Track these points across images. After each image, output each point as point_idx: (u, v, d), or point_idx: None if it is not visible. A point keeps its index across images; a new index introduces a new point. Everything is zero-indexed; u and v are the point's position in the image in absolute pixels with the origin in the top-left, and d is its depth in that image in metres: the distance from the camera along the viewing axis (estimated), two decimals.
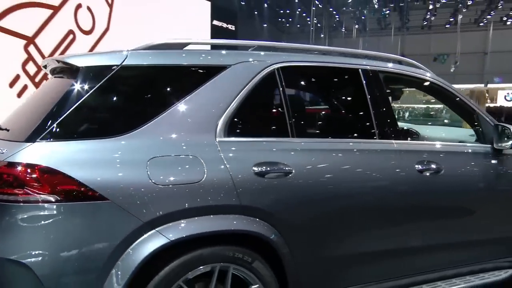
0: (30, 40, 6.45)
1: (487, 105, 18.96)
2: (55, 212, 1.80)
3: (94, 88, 2.04)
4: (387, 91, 3.57)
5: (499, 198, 3.11)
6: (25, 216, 1.79)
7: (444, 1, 27.43)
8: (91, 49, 7.77)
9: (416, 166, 2.70)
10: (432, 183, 2.76)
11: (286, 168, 2.27)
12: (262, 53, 2.57)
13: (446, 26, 30.27)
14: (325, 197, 2.41)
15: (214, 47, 3.17)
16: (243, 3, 28.00)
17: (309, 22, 29.80)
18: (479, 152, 3.06)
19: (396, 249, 2.69)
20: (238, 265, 2.12)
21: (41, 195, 1.79)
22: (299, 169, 2.31)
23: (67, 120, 1.95)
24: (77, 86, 2.03)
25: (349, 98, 3.18)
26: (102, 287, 1.84)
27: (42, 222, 1.80)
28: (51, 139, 1.89)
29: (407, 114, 18.58)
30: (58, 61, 2.30)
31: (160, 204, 1.94)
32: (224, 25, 12.90)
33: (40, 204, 1.79)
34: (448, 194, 2.84)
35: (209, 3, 12.02)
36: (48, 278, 1.78)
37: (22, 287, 1.81)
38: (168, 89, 2.33)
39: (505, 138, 2.93)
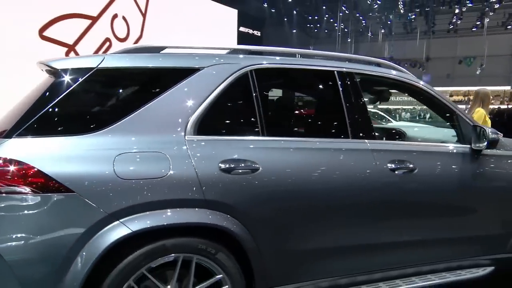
0: (70, 48, 6.80)
1: (510, 106, 18.51)
2: (24, 202, 1.87)
3: (70, 89, 2.10)
4: (373, 92, 3.60)
5: (476, 198, 3.01)
6: None
7: (471, 5, 26.91)
8: None
9: (389, 165, 2.66)
10: (405, 181, 2.72)
11: (254, 165, 2.28)
12: (237, 56, 2.63)
13: (473, 29, 29.66)
14: (293, 194, 2.39)
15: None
16: (273, 10, 28.27)
17: (336, 27, 29.79)
18: (456, 152, 2.99)
19: (367, 245, 2.66)
20: (202, 256, 2.14)
21: (12, 187, 1.86)
22: (267, 166, 2.31)
23: (42, 118, 2.02)
24: (54, 87, 2.12)
25: (323, 99, 3.14)
26: (68, 273, 1.89)
27: (12, 211, 1.86)
28: (27, 136, 1.96)
29: (428, 115, 18.51)
30: (43, 64, 2.32)
31: (124, 197, 1.98)
32: (250, 31, 13.18)
33: (10, 195, 1.86)
34: (422, 192, 2.80)
35: (236, 11, 12.30)
36: (17, 263, 1.84)
37: None
38: (142, 89, 2.36)
39: (483, 139, 2.89)
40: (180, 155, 2.14)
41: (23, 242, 1.85)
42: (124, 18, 8.25)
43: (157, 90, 2.27)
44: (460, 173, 2.94)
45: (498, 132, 2.99)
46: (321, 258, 2.54)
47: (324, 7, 28.15)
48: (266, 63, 2.58)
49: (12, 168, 1.87)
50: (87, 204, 1.91)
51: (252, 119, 2.45)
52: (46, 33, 6.49)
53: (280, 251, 2.38)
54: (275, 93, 3.16)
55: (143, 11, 8.84)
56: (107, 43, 7.69)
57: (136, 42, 8.50)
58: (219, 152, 2.24)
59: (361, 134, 2.68)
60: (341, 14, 28.09)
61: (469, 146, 2.96)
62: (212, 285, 2.21)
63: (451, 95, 31.38)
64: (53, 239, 1.88)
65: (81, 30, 7.16)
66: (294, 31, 31.76)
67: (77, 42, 6.99)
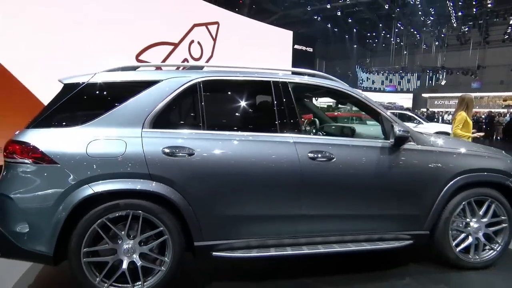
0: (158, 68, 8.02)
1: None
2: (29, 169, 2.49)
3: (67, 97, 2.68)
4: (307, 97, 4.06)
5: (391, 184, 3.12)
6: (14, 171, 2.50)
7: None
8: None
9: (309, 154, 2.89)
10: (324, 168, 2.92)
11: (191, 151, 2.67)
12: (190, 71, 3.08)
13: None
14: (222, 173, 2.73)
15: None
16: (336, 29, 28.75)
17: (393, 42, 29.59)
18: (376, 146, 3.11)
19: (290, 216, 2.90)
20: (147, 213, 2.60)
21: (22, 159, 2.50)
22: (202, 151, 2.70)
23: (48, 116, 2.63)
24: (58, 96, 2.72)
25: (257, 102, 3.37)
26: (54, 215, 2.46)
27: (22, 174, 2.49)
28: (37, 127, 2.58)
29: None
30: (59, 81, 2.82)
31: (90, 169, 2.50)
32: (304, 48, 14.01)
33: (21, 164, 2.50)
34: (340, 177, 2.98)
35: (291, 32, 13.24)
36: (25, 208, 2.48)
37: (9, 211, 2.50)
38: (116, 96, 2.78)
39: (393, 135, 3.04)
40: (135, 142, 2.62)
41: (28, 195, 2.48)
42: (199, 43, 9.43)
43: (127, 96, 2.76)
44: (376, 163, 3.08)
45: (409, 130, 3.16)
46: (248, 223, 2.84)
47: (380, 25, 28.12)
48: (212, 76, 2.97)
49: (22, 147, 2.52)
50: (66, 172, 2.49)
51: (195, 117, 2.91)
52: (141, 57, 7.76)
53: (212, 215, 2.74)
54: (218, 98, 3.32)
55: (214, 37, 9.99)
56: (185, 62, 8.62)
57: (207, 61, 9.65)
58: (164, 140, 2.68)
59: (287, 130, 2.96)
60: (396, 30, 27.88)
61: (389, 141, 3.10)
62: (157, 235, 2.69)
63: (505, 100, 30.04)
64: (45, 194, 2.48)
65: (166, 53, 8.42)
66: (356, 46, 32.00)
67: (162, 62, 8.15)
